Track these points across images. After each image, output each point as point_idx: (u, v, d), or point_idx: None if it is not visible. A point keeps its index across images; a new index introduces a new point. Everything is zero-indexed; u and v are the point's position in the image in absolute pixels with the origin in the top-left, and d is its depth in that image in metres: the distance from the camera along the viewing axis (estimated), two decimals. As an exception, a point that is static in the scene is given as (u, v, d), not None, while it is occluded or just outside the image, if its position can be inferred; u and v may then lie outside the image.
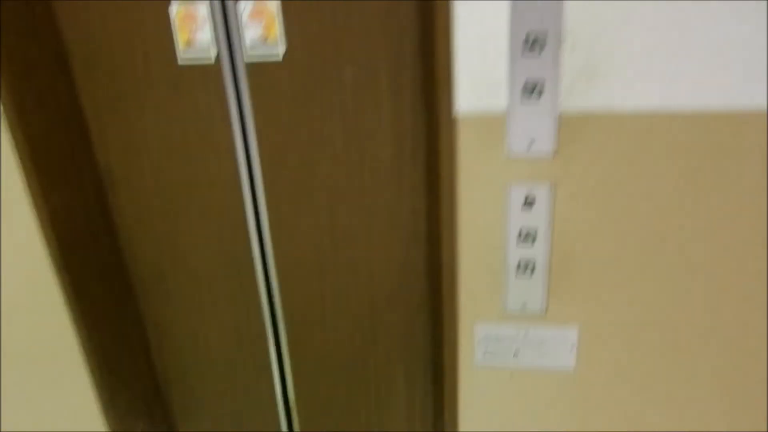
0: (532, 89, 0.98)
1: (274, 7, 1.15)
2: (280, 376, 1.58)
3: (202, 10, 1.17)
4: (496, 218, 1.08)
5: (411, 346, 1.40)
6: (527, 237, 1.08)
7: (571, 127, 1.00)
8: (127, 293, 1.49)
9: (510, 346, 1.18)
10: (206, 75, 1.23)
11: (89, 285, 1.37)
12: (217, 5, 1.17)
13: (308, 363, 1.50)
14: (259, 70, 1.20)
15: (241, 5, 1.15)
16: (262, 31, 1.17)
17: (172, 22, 1.19)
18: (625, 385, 1.20)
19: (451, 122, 1.03)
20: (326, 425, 1.57)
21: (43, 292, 1.36)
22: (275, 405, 1.60)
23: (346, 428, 1.56)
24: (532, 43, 0.95)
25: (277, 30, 1.16)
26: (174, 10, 1.18)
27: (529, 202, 1.05)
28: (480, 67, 0.99)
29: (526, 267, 1.10)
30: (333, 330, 1.42)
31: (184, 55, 1.21)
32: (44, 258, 1.31)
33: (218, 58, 1.21)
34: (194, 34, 1.19)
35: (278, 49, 1.17)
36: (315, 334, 1.44)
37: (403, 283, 1.33)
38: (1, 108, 1.16)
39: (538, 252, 1.09)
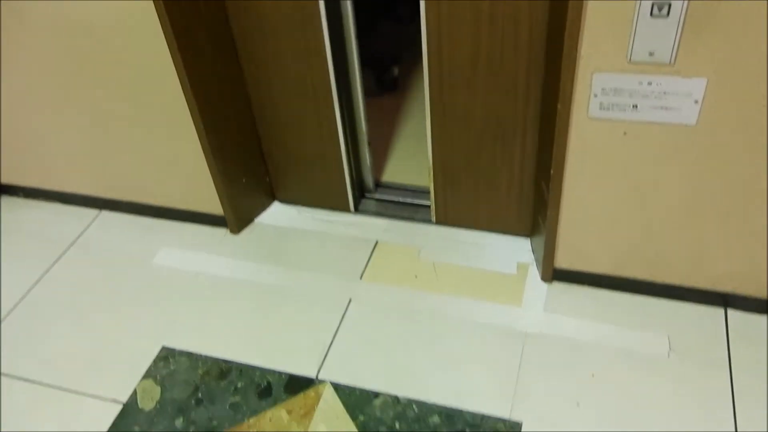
0: None
1: None
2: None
3: None
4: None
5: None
6: (667, -28, 0.98)
7: None
8: (230, 49, 1.49)
9: (630, 99, 1.13)
10: None
11: (195, 36, 1.38)
12: None
13: (447, 124, 1.47)
14: None
15: None
16: None
17: None
18: (747, 146, 1.14)
19: None
20: (458, 180, 1.59)
21: (150, 46, 1.40)
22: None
23: (476, 190, 1.58)
24: None
25: None
26: None
27: (674, -70, 0.94)
28: None
29: (661, 8, 1.01)
30: (483, 93, 1.37)
31: None
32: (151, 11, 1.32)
33: None
34: None
35: None
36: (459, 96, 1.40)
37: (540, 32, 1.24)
38: None
39: (676, -10, 1.00)
